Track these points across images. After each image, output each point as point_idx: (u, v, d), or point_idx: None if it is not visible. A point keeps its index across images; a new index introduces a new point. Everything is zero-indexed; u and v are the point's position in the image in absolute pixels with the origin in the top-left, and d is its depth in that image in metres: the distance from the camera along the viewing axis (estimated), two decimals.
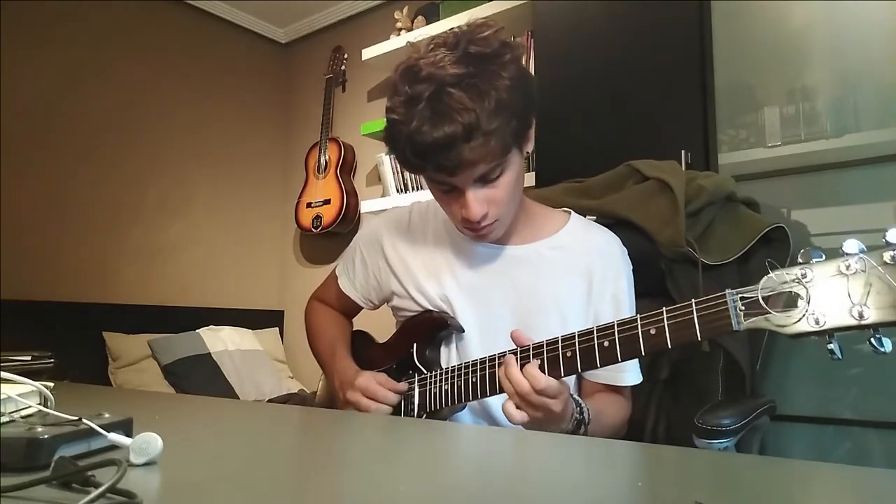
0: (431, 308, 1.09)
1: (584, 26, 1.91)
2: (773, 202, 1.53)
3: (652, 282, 1.19)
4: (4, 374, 0.58)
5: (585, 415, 0.92)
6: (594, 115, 1.85)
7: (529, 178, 2.24)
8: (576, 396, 0.95)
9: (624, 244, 1.12)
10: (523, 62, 0.95)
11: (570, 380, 1.06)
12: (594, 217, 1.26)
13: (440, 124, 0.87)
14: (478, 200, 0.95)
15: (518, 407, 0.86)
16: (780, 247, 1.17)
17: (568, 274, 1.05)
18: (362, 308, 1.26)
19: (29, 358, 1.58)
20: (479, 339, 1.05)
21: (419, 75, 0.90)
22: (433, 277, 1.10)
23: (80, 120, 2.75)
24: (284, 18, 3.49)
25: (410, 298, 1.11)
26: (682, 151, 1.59)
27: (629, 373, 1.05)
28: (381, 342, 1.20)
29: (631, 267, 1.11)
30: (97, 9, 2.80)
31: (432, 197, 1.19)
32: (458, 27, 0.95)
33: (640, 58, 1.78)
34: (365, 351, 1.20)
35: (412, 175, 2.78)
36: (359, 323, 1.32)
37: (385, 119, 0.97)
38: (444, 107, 0.87)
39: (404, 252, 1.14)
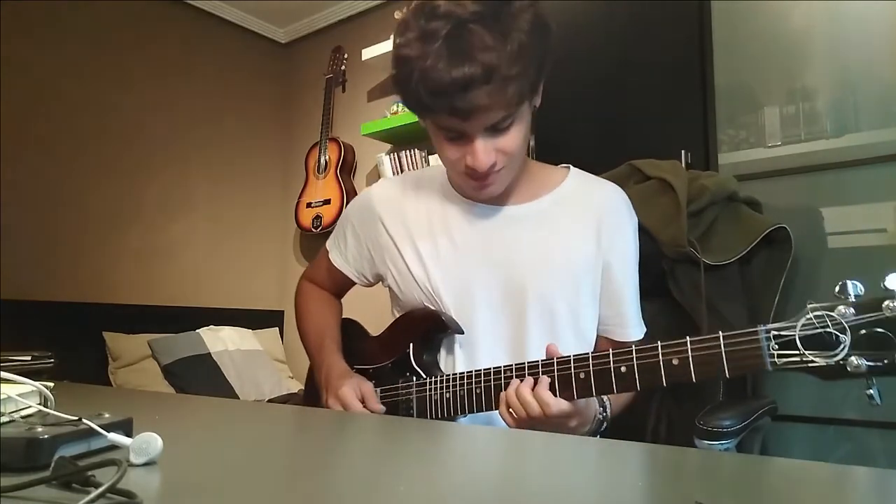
0: (427, 303, 1.05)
1: (584, 26, 1.91)
2: (773, 202, 1.53)
3: (654, 282, 1.18)
4: (4, 374, 0.58)
5: (609, 413, 0.91)
6: (594, 115, 1.85)
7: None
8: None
9: None
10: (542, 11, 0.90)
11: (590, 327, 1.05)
12: None
13: (459, 63, 0.82)
14: (486, 149, 0.91)
15: (522, 421, 0.84)
16: (782, 247, 1.16)
17: (574, 225, 1.03)
18: (354, 284, 1.22)
19: (29, 358, 1.57)
20: (483, 304, 1.02)
21: (436, 11, 0.84)
22: (431, 241, 1.06)
23: (80, 120, 2.75)
24: (284, 18, 3.50)
25: (405, 266, 1.06)
26: (683, 151, 1.60)
27: (634, 328, 1.05)
28: (374, 335, 1.16)
29: (636, 221, 1.09)
30: (97, 9, 2.80)
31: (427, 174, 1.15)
32: None
33: (640, 58, 1.78)
34: (357, 343, 1.15)
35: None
36: (354, 313, 1.27)
37: (393, 59, 0.90)
38: (464, 44, 0.82)
39: (404, 214, 1.10)
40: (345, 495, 0.43)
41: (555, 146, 1.95)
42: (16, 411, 0.56)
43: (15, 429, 0.46)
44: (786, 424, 1.48)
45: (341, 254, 1.19)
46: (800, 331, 0.65)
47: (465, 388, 0.93)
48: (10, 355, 1.52)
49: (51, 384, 0.60)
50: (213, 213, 3.22)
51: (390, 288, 1.13)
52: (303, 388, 2.90)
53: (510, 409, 0.86)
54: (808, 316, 0.65)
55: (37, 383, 0.59)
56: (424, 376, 1.01)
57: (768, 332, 0.67)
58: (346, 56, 3.28)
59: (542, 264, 1.01)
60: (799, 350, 0.64)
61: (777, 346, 0.66)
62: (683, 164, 1.57)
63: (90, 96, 2.78)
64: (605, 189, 1.10)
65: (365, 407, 0.99)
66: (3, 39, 2.47)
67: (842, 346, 0.62)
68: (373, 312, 1.30)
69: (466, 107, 0.85)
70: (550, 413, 0.81)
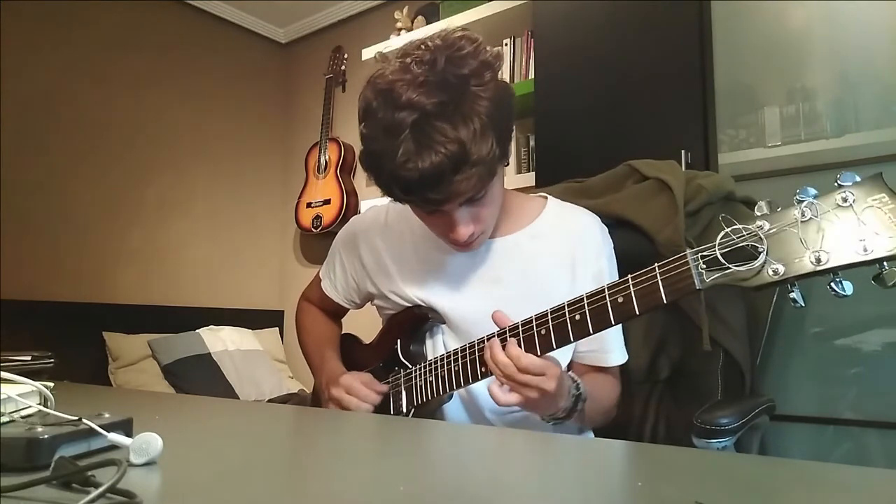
0: (411, 304, 1.09)
1: (584, 26, 1.91)
2: (773, 202, 1.53)
3: None
4: (4, 374, 0.58)
5: (583, 390, 0.92)
6: (594, 115, 1.85)
7: (529, 178, 2.24)
8: (570, 373, 0.95)
9: (623, 244, 1.12)
10: (500, 75, 0.92)
11: (562, 359, 1.06)
12: None
13: (426, 158, 0.83)
14: (464, 221, 0.93)
15: (509, 389, 0.86)
16: None
17: (551, 262, 1.05)
18: (349, 309, 1.26)
19: (29, 358, 1.57)
20: (466, 334, 1.04)
21: (398, 102, 0.85)
22: (413, 278, 1.09)
23: (80, 120, 2.75)
24: (284, 18, 3.50)
25: (388, 300, 1.12)
26: (682, 151, 1.59)
27: (613, 353, 1.05)
28: (367, 343, 1.21)
29: (612, 245, 1.11)
30: (97, 9, 2.80)
31: None
32: (432, 40, 0.89)
33: (640, 58, 1.78)
34: (353, 353, 1.20)
35: None
36: (349, 324, 1.32)
37: (362, 144, 0.93)
38: (428, 139, 0.84)
39: (382, 253, 1.13)
40: (344, 495, 0.43)
41: (555, 147, 1.95)
42: (16, 411, 0.56)
43: (15, 429, 0.46)
44: (785, 424, 1.48)
45: (332, 283, 1.24)
46: (719, 247, 0.70)
47: (446, 367, 0.97)
48: (10, 355, 1.52)
49: (51, 384, 0.60)
50: (213, 213, 3.22)
51: (377, 305, 1.18)
52: (303, 388, 2.91)
53: (499, 379, 0.87)
54: (725, 231, 0.70)
55: (37, 383, 0.59)
56: (411, 367, 1.04)
57: (695, 253, 0.72)
58: (346, 56, 3.28)
59: (518, 298, 1.02)
60: (723, 265, 0.69)
61: (705, 266, 0.71)
62: (683, 165, 1.57)
63: (90, 96, 2.78)
64: (578, 219, 1.10)
65: (367, 389, 1.03)
66: (3, 40, 2.47)
67: (760, 254, 0.67)
68: (370, 325, 1.31)
69: (439, 197, 0.88)
70: (521, 365, 0.84)
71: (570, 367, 1.09)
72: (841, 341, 1.47)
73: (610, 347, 1.05)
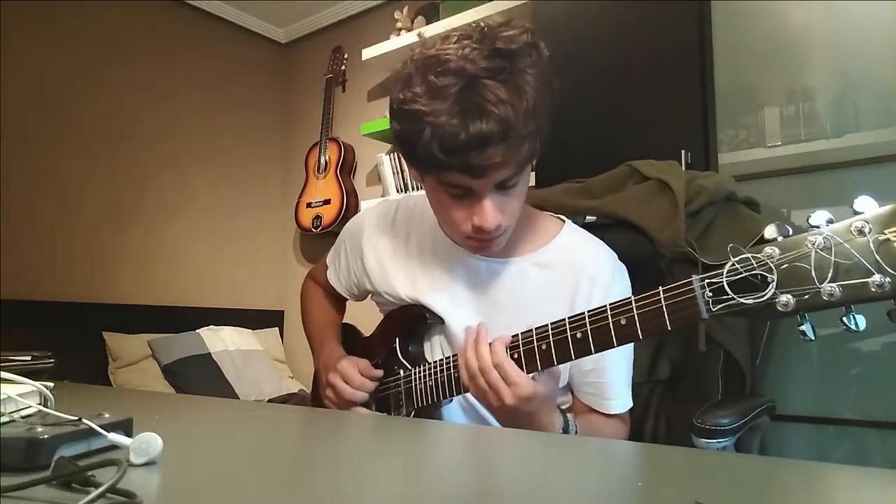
0: (409, 302, 1.08)
1: (584, 26, 1.91)
2: (773, 202, 1.53)
3: (652, 282, 1.18)
4: (4, 374, 0.58)
5: (572, 431, 0.91)
6: (594, 115, 1.85)
7: (529, 178, 2.24)
8: (569, 416, 0.93)
9: (624, 244, 1.11)
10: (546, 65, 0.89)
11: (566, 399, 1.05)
12: (594, 217, 1.26)
13: (476, 119, 0.79)
14: (494, 208, 0.88)
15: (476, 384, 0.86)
16: None
17: (548, 295, 1.00)
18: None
19: (29, 358, 1.57)
20: (458, 347, 1.00)
21: (447, 66, 0.81)
22: (410, 284, 1.07)
23: (80, 120, 2.75)
24: (284, 18, 3.50)
25: (384, 298, 1.12)
26: (682, 151, 1.59)
27: (615, 400, 0.99)
28: (366, 336, 1.21)
29: (627, 286, 1.04)
30: (97, 8, 2.80)
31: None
32: (484, 24, 0.87)
33: (640, 58, 1.78)
34: (352, 345, 1.21)
35: (412, 177, 2.77)
36: (350, 314, 1.33)
37: (396, 112, 0.87)
38: (478, 99, 0.79)
39: (384, 253, 1.12)
40: (344, 495, 0.43)
41: (555, 147, 1.94)
42: (16, 411, 0.56)
43: (15, 429, 0.46)
44: (785, 424, 1.48)
45: (336, 272, 1.25)
46: (727, 276, 0.67)
47: (445, 373, 0.96)
48: (10, 355, 1.52)
49: (51, 384, 0.60)
50: (213, 213, 3.22)
51: (375, 301, 1.19)
52: (303, 388, 2.91)
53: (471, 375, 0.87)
54: (732, 261, 0.67)
55: (37, 383, 0.59)
56: (411, 368, 1.04)
57: (702, 280, 0.69)
58: (346, 56, 3.28)
59: (508, 325, 0.97)
60: (729, 295, 0.66)
61: (711, 294, 0.68)
62: (683, 165, 1.57)
63: (90, 97, 2.78)
64: (590, 254, 1.04)
65: (363, 377, 1.04)
66: (3, 40, 2.47)
67: (769, 285, 0.63)
68: (371, 316, 1.32)
69: (482, 164, 0.82)
70: (497, 360, 0.83)
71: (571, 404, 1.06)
72: (841, 341, 1.47)
73: (612, 394, 0.99)
